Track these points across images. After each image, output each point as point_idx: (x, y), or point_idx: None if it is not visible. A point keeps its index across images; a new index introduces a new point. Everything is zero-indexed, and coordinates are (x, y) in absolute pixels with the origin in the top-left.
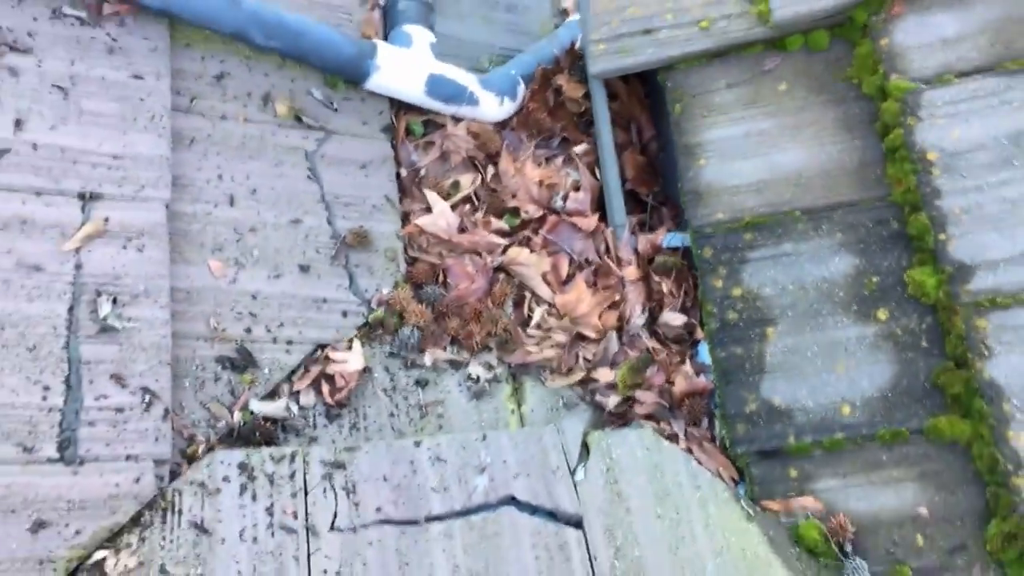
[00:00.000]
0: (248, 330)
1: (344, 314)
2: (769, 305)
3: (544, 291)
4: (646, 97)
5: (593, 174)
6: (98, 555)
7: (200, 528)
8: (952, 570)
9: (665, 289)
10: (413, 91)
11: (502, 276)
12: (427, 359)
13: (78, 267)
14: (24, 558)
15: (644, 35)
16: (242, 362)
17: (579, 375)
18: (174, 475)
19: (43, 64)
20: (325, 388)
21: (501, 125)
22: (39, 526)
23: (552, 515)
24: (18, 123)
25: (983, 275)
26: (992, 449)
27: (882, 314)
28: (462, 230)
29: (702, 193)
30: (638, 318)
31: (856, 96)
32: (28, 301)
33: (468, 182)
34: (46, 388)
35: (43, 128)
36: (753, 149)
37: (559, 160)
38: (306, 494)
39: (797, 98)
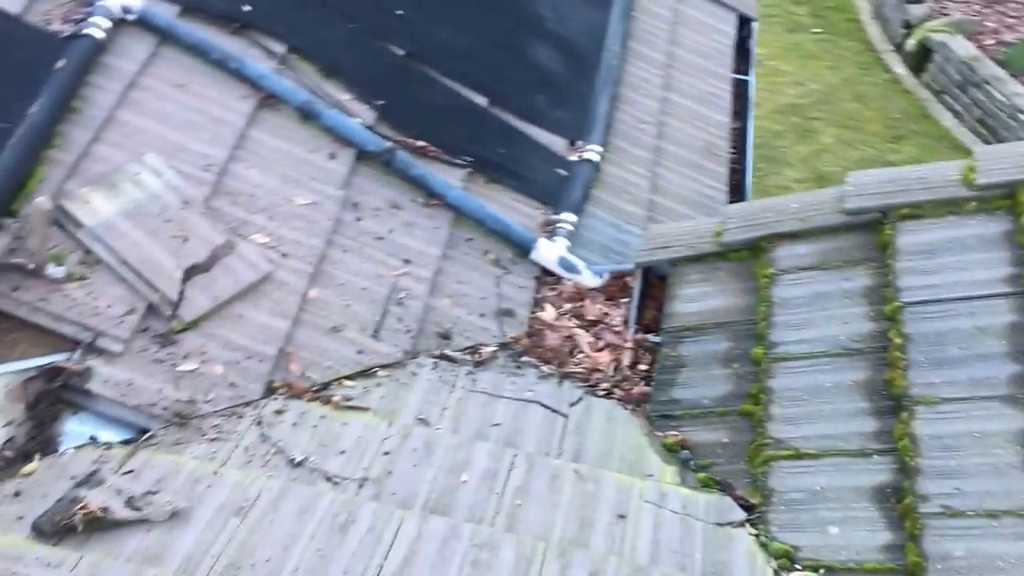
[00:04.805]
0: (451, 329)
1: (494, 336)
2: (686, 361)
3: (587, 349)
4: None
5: (627, 311)
6: (375, 370)
7: (414, 374)
8: (734, 474)
9: (642, 353)
10: (551, 262)
11: (569, 340)
12: (524, 359)
13: (395, 282)
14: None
15: (663, 249)
16: (446, 336)
17: (592, 383)
18: (408, 358)
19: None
20: (476, 355)
21: (592, 289)
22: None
23: (557, 411)
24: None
25: (778, 349)
26: (761, 414)
27: (736, 366)
28: (556, 321)
29: (672, 315)
30: (626, 363)
31: (751, 278)
32: (380, 286)
33: (567, 306)
34: (373, 315)
35: (397, 237)
36: (699, 300)
37: (613, 305)
38: (454, 374)
39: (726, 279)
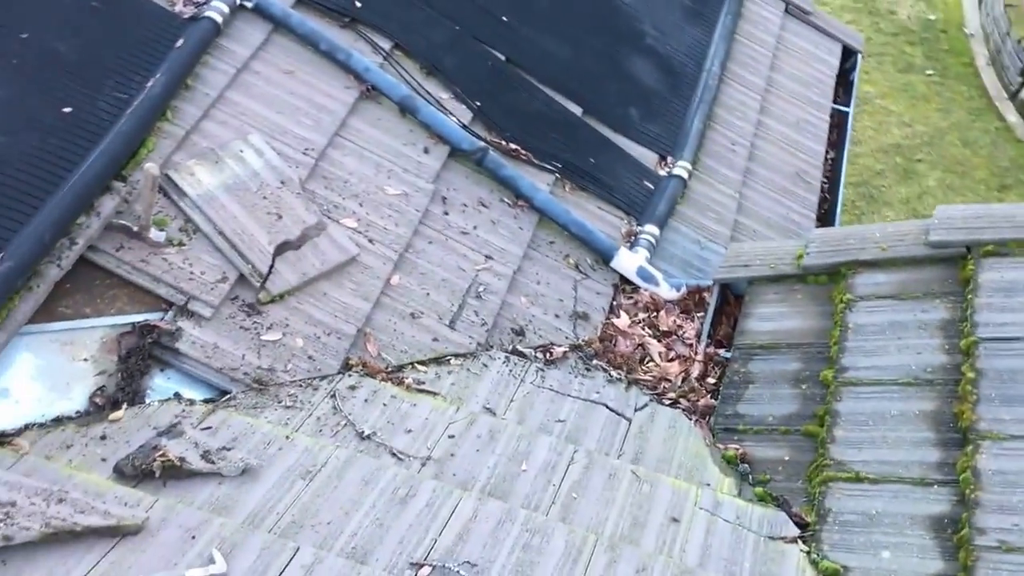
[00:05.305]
0: (526, 326)
1: (567, 337)
2: (755, 377)
3: (657, 358)
4: (737, 302)
5: (701, 325)
6: (448, 358)
7: (485, 365)
8: (792, 491)
9: (712, 367)
10: (630, 271)
11: (641, 348)
12: (594, 362)
13: (475, 276)
14: (430, 348)
15: (743, 267)
16: (520, 332)
17: (659, 391)
18: (481, 349)
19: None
20: (548, 353)
21: (668, 300)
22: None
23: (622, 415)
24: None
25: (847, 374)
26: (825, 435)
27: (804, 387)
28: (629, 328)
29: (745, 332)
30: (695, 375)
31: (828, 302)
32: (460, 279)
33: (642, 315)
34: (451, 305)
35: (481, 233)
36: (774, 319)
37: (687, 318)
38: (524, 369)
39: (803, 302)
